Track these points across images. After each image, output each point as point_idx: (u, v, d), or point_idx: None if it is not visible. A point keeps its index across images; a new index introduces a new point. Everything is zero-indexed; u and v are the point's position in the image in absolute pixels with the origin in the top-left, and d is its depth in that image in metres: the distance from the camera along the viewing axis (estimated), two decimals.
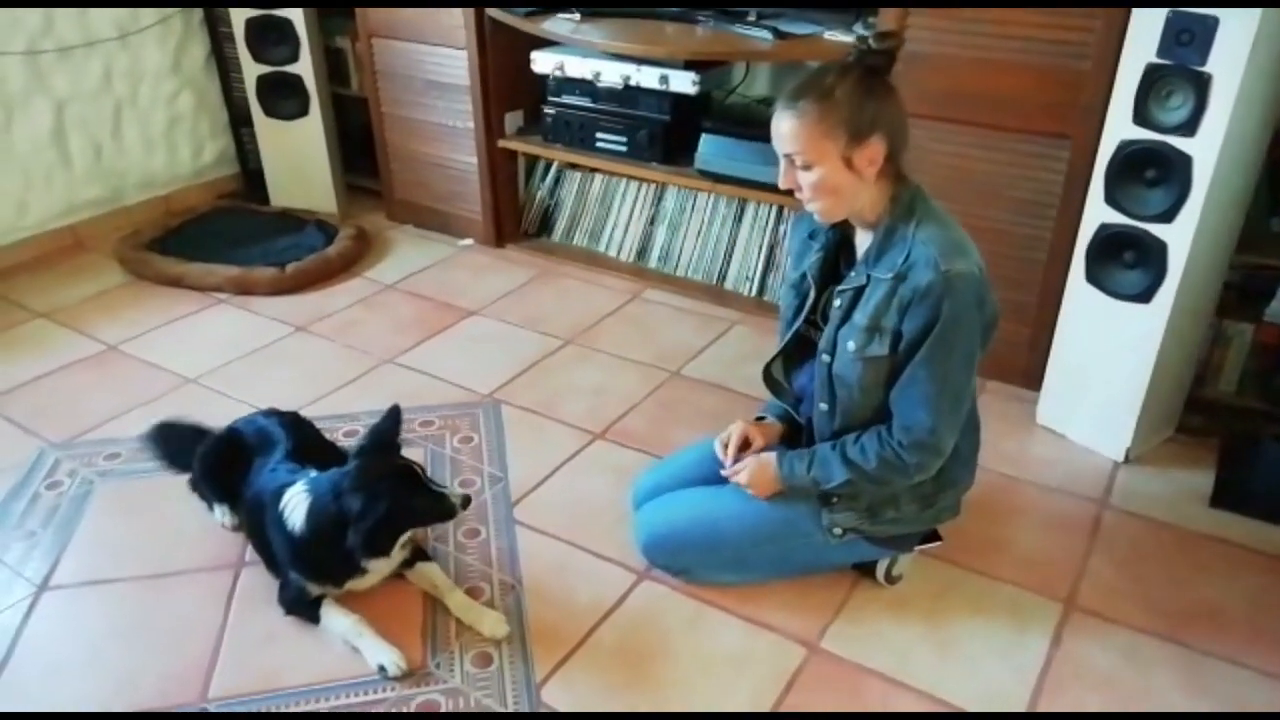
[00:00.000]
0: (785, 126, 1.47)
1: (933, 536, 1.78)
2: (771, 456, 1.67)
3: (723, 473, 1.73)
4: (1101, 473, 2.14)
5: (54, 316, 2.81)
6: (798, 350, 1.72)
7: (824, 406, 1.63)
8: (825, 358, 1.59)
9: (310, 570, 1.70)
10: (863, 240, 1.58)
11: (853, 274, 1.56)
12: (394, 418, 1.76)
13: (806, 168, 1.47)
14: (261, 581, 1.83)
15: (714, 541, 1.73)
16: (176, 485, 2.06)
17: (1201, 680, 1.63)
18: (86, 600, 1.79)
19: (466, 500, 1.70)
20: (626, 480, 2.09)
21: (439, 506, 1.69)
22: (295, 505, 1.67)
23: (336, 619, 1.69)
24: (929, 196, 1.55)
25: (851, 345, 1.54)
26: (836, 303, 1.57)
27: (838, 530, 1.67)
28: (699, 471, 1.82)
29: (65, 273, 3.07)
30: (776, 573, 1.78)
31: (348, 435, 2.27)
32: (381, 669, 1.62)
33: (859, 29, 1.46)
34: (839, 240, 1.64)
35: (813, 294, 1.66)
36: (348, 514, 1.59)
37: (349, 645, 1.66)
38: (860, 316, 1.53)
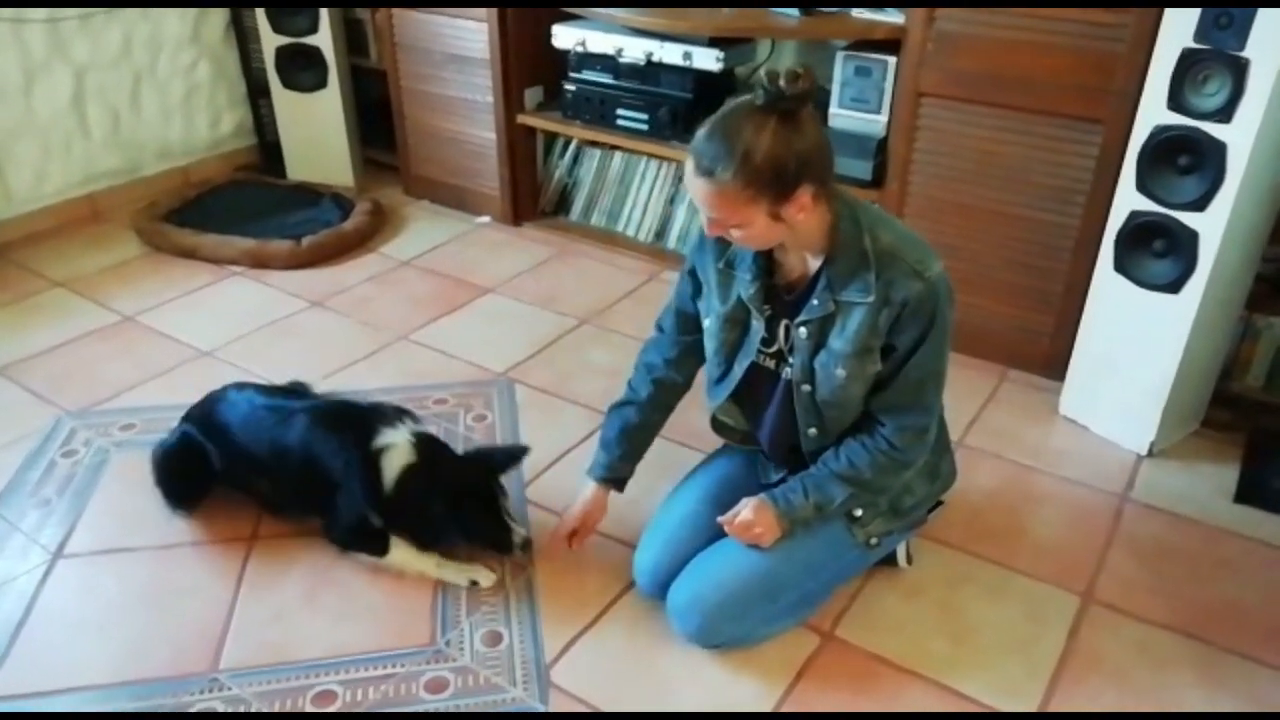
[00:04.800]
0: (702, 192, 1.36)
1: (933, 505, 1.78)
2: (764, 499, 1.59)
3: (720, 520, 1.62)
4: (1124, 466, 2.11)
5: (71, 286, 2.82)
6: (741, 382, 1.63)
7: (813, 432, 1.58)
8: (805, 388, 1.54)
9: (389, 518, 1.75)
10: (800, 261, 1.50)
11: (815, 302, 1.47)
12: (518, 456, 1.84)
13: (735, 227, 1.40)
14: (273, 555, 1.83)
15: (773, 589, 1.59)
16: None
17: (1219, 677, 1.60)
18: (100, 568, 1.80)
19: (526, 542, 1.72)
20: (641, 463, 2.07)
21: (496, 536, 1.73)
22: (395, 456, 1.72)
23: (410, 555, 1.75)
24: (856, 197, 1.50)
25: (842, 372, 1.48)
26: (801, 333, 1.49)
27: (874, 540, 1.65)
28: (702, 534, 1.67)
29: (83, 242, 3.07)
30: (831, 592, 1.71)
31: None
32: (474, 583, 1.70)
33: (764, 75, 1.31)
34: (766, 260, 1.53)
35: (757, 323, 1.55)
36: (421, 491, 1.69)
37: (424, 575, 1.74)
38: (840, 343, 1.47)
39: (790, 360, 1.55)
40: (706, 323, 1.63)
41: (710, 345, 1.64)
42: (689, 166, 1.37)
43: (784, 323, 1.55)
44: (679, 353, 1.72)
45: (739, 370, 1.61)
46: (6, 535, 1.87)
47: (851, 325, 1.45)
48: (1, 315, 2.66)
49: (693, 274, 1.64)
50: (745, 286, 1.54)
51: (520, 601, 1.73)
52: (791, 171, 1.33)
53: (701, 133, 1.36)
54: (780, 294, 1.54)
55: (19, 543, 1.85)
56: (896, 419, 1.52)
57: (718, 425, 1.74)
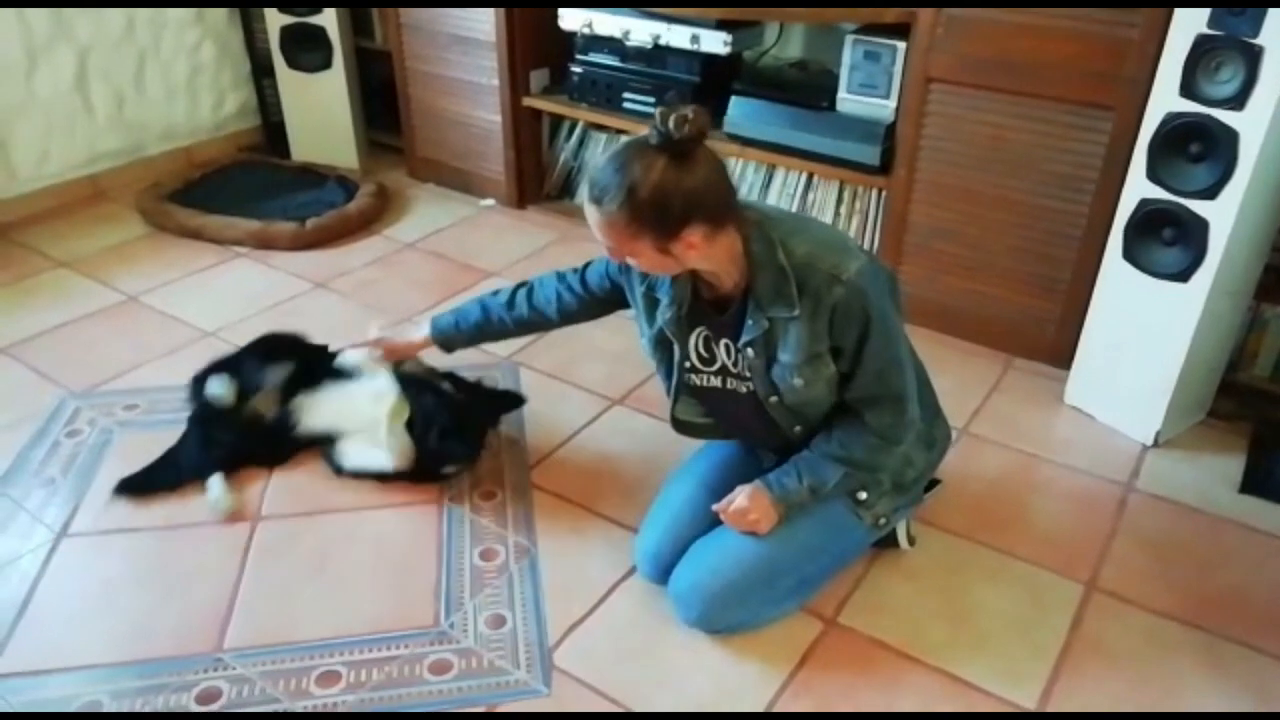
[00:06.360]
0: (592, 220, 1.40)
1: (931, 484, 1.80)
2: (758, 485, 1.60)
3: (715, 508, 1.62)
4: (1129, 455, 2.10)
5: (74, 266, 2.81)
6: (696, 393, 1.67)
7: (798, 429, 1.60)
8: (773, 399, 1.55)
9: None
10: (728, 281, 1.49)
11: (749, 322, 1.48)
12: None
13: (628, 255, 1.43)
14: (278, 535, 1.84)
15: (773, 574, 1.60)
16: None
17: (1223, 665, 1.60)
18: (104, 548, 1.80)
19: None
20: (645, 447, 2.08)
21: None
22: None
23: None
24: (765, 210, 1.50)
25: (799, 381, 1.50)
26: (749, 352, 1.51)
27: (883, 520, 1.66)
28: (702, 519, 1.66)
29: (86, 222, 3.06)
30: (832, 574, 1.71)
31: None
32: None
33: (657, 114, 1.32)
34: (686, 287, 1.54)
35: (678, 349, 1.60)
36: None
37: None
38: (788, 355, 1.48)
39: (746, 376, 1.56)
40: (641, 341, 1.66)
41: (650, 361, 1.68)
42: (585, 206, 1.40)
43: (724, 342, 1.56)
44: (576, 308, 1.79)
45: (674, 389, 1.66)
46: (11, 514, 1.88)
47: (791, 338, 1.47)
48: (5, 295, 2.66)
49: (622, 278, 1.67)
50: (663, 312, 1.57)
51: (524, 585, 1.73)
52: (676, 211, 1.34)
53: (600, 160, 1.39)
54: (710, 314, 1.55)
55: (23, 522, 1.86)
56: (870, 408, 1.54)
57: (686, 428, 1.74)
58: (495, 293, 1.86)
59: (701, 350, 1.59)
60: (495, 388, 2.07)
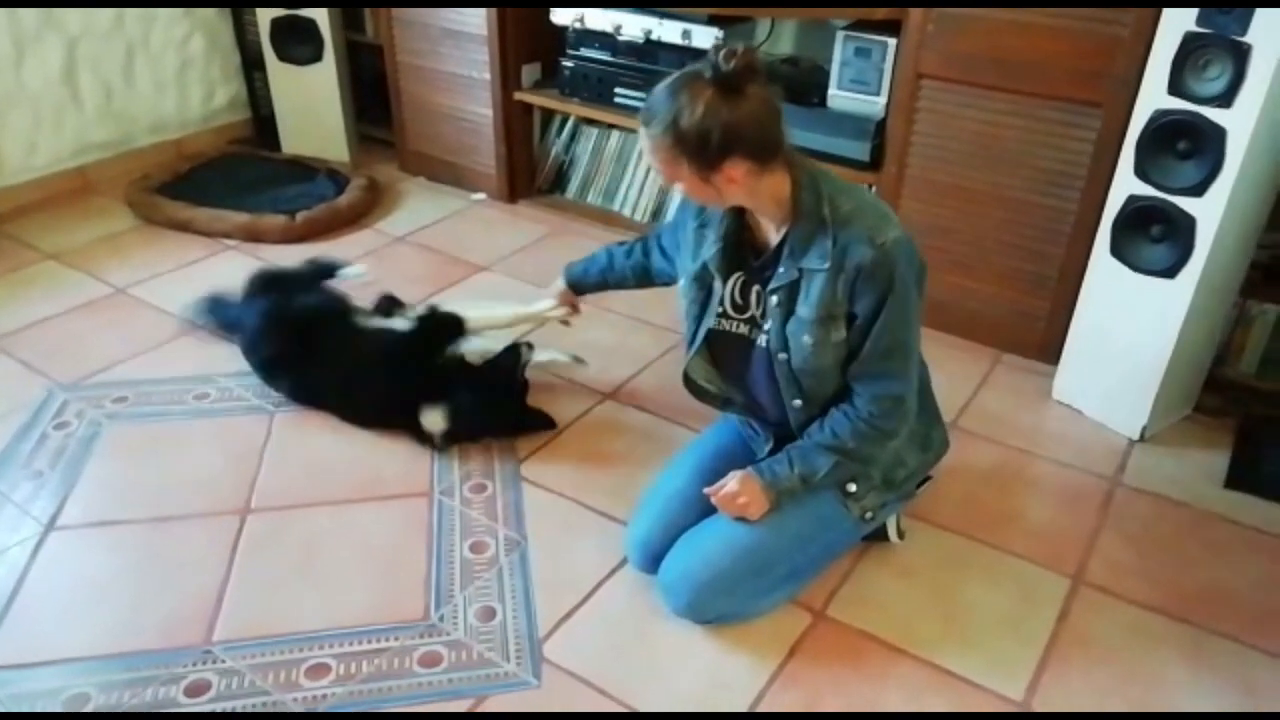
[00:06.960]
0: (642, 140, 1.46)
1: (922, 480, 1.81)
2: (750, 471, 1.61)
3: (706, 491, 1.62)
4: (1116, 450, 2.12)
5: (63, 258, 2.80)
6: (713, 346, 1.68)
7: (797, 403, 1.60)
8: (782, 356, 1.56)
9: None
10: (770, 227, 1.53)
11: (781, 269, 1.50)
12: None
13: (672, 180, 1.46)
14: (267, 527, 1.83)
15: (763, 563, 1.60)
16: (184, 429, 2.06)
17: (1208, 659, 1.62)
18: (92, 541, 1.80)
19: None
20: (635, 441, 2.09)
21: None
22: None
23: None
24: (821, 166, 1.53)
25: (808, 340, 1.51)
26: (773, 300, 1.53)
27: (869, 514, 1.67)
28: (693, 509, 1.67)
29: (74, 214, 3.05)
30: (822, 567, 1.72)
31: None
32: (578, 359, 2.26)
33: (712, 47, 1.40)
34: (735, 226, 1.58)
35: (719, 286, 1.61)
36: None
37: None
38: (806, 310, 1.49)
39: (766, 328, 1.58)
40: (680, 283, 1.68)
41: (681, 305, 1.69)
42: (639, 127, 1.46)
43: (756, 289, 1.57)
44: (658, 277, 1.92)
45: (702, 333, 1.65)
46: None
47: (814, 292, 1.48)
48: None
49: (675, 230, 1.73)
50: (709, 248, 1.59)
51: (514, 577, 1.73)
52: (716, 142, 1.37)
53: (661, 84, 1.43)
54: (750, 260, 1.57)
55: (11, 514, 1.85)
56: (869, 388, 1.54)
57: (693, 387, 1.75)
58: (621, 243, 1.99)
59: (737, 297, 1.61)
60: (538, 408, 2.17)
